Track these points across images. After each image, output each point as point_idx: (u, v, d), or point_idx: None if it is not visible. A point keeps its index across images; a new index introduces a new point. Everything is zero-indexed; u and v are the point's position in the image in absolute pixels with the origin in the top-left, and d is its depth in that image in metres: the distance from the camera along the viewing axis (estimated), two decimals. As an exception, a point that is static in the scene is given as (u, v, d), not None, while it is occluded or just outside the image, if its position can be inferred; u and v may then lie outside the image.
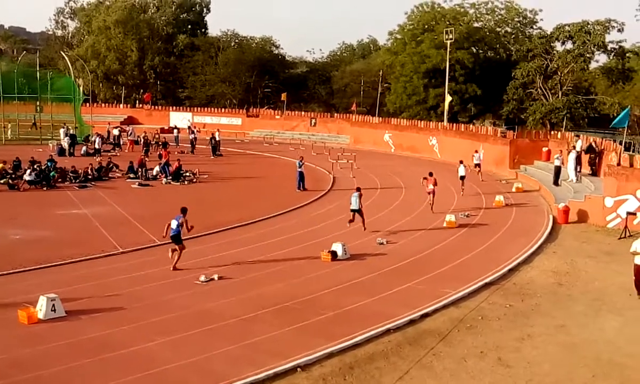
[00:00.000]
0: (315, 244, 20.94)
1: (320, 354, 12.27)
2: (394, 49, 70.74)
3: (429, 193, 27.35)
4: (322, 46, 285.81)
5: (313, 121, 68.53)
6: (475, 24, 67.78)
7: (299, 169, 32.95)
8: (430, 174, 27.94)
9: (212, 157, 47.13)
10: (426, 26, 66.92)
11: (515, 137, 44.29)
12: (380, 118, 65.50)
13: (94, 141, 47.51)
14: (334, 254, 19.30)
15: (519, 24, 68.76)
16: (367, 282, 17.22)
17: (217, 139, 50.58)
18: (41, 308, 13.61)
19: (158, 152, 41.28)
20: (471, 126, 57.62)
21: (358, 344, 12.92)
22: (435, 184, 27.32)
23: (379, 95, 77.08)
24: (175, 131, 55.42)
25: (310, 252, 19.93)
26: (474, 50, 66.33)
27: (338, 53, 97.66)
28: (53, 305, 13.68)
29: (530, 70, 57.53)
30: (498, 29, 69.36)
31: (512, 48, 67.45)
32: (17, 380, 10.77)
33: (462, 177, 32.56)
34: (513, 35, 69.17)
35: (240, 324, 13.78)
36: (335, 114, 72.68)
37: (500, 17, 68.62)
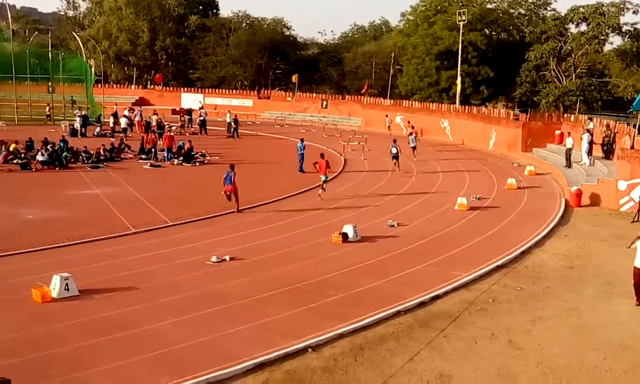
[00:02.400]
0: (326, 226, 20.96)
1: (331, 335, 12.31)
2: (406, 31, 70.30)
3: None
4: (333, 28, 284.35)
5: (324, 103, 68.34)
6: (489, 6, 67.18)
7: (301, 151, 32.83)
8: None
9: (235, 138, 47.79)
10: (439, 7, 66.41)
11: (528, 119, 44.03)
12: (392, 100, 65.24)
13: (109, 122, 47.67)
14: (344, 236, 19.30)
15: (532, 6, 68.05)
16: (378, 264, 17.22)
17: (229, 120, 50.61)
18: (54, 287, 13.72)
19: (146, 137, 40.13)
20: (483, 108, 57.34)
21: (369, 326, 12.94)
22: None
23: (390, 77, 76.69)
24: (187, 113, 55.13)
25: (321, 234, 19.94)
26: (487, 32, 65.80)
27: (350, 35, 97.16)
28: (66, 284, 13.78)
29: (544, 52, 57.01)
30: (511, 11, 68.72)
31: (525, 30, 66.88)
32: (31, 358, 10.87)
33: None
34: (526, 17, 68.51)
35: (252, 304, 13.84)
36: (347, 96, 72.45)
37: (513, -2, 68.01)
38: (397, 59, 75.15)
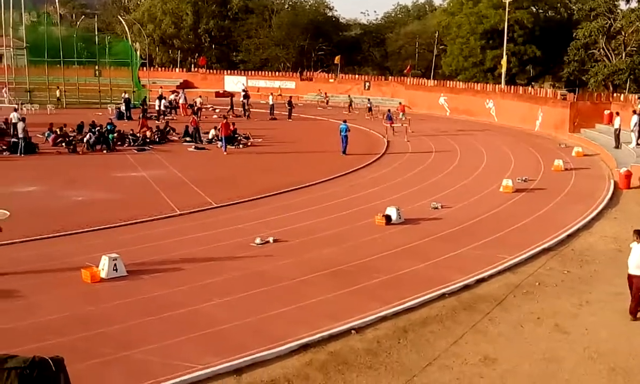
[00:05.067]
0: (370, 208, 20.90)
1: (374, 317, 12.33)
2: (451, 10, 69.25)
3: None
4: (376, 8, 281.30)
5: (367, 84, 67.95)
6: (536, -17, 65.71)
7: (344, 133, 32.73)
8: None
9: (289, 120, 48.36)
10: (485, -15, 65.20)
11: (575, 99, 43.06)
12: (436, 81, 64.50)
13: (155, 105, 48.27)
14: (388, 218, 19.24)
15: (581, -18, 66.32)
16: (421, 246, 17.14)
17: (271, 103, 50.78)
18: (103, 267, 14.04)
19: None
20: (530, 88, 56.22)
21: (412, 308, 12.91)
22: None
23: (434, 57, 75.80)
24: (232, 96, 55.27)
25: (364, 216, 19.91)
26: (534, 9, 64.43)
27: (392, 15, 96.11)
28: (115, 265, 14.08)
29: (593, 30, 55.42)
30: (559, -13, 67.10)
31: (573, 7, 65.16)
32: (81, 337, 11.16)
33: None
34: (575, -6, 66.81)
35: (296, 286, 13.93)
36: (390, 77, 71.87)
37: (561, -26, 66.36)
38: (441, 39, 74.18)
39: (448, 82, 61.33)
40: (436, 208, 21.29)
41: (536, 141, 38.67)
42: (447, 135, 40.84)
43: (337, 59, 71.41)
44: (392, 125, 40.08)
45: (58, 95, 54.59)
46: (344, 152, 32.31)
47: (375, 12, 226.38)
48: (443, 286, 13.97)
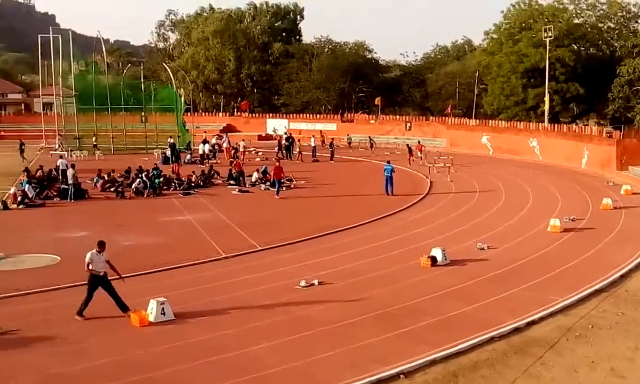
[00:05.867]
0: (414, 249, 20.76)
1: (423, 361, 12.12)
2: (490, 49, 69.24)
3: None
4: (415, 49, 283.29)
5: (408, 124, 68.06)
6: (576, 21, 65.38)
7: (389, 174, 32.72)
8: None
9: (330, 162, 48.97)
10: (524, 24, 65.20)
11: (622, 137, 42.32)
12: (477, 120, 64.28)
13: (199, 149, 49.10)
14: (433, 259, 19.06)
15: (622, 19, 65.77)
16: (469, 288, 16.88)
17: (313, 144, 51.21)
18: (152, 311, 14.18)
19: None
20: (574, 126, 55.57)
21: (461, 352, 12.67)
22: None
23: (475, 97, 75.65)
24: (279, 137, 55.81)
25: (409, 258, 19.76)
26: (575, 47, 63.95)
27: (432, 55, 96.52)
28: (162, 308, 14.21)
29: (637, 66, 54.75)
30: (600, 25, 66.58)
31: (615, 44, 64.63)
32: (131, 381, 11.24)
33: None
34: (616, 31, 66.22)
35: (342, 329, 13.83)
36: (431, 117, 71.92)
37: (602, 12, 65.90)
38: (482, 78, 74.09)
39: (490, 121, 61.07)
40: (482, 249, 21.00)
41: (582, 180, 38.06)
42: (491, 174, 40.49)
43: (377, 101, 71.83)
44: (411, 158, 46.14)
45: (94, 141, 55.96)
46: (391, 193, 32.27)
47: (414, 53, 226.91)
48: (493, 329, 13.70)
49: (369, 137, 59.78)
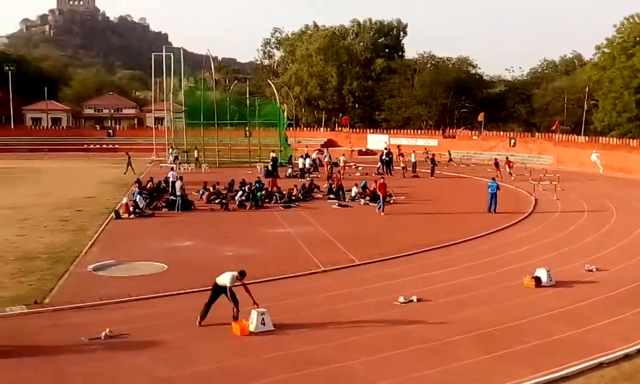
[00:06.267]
0: (517, 268, 20.15)
1: (526, 385, 11.74)
2: (602, 64, 66.48)
3: None
4: (521, 64, 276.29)
5: (512, 140, 66.38)
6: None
7: (494, 191, 31.97)
8: None
9: (430, 177, 48.84)
10: (638, 38, 62.16)
11: None
12: (587, 137, 61.78)
13: (299, 162, 49.89)
14: (537, 280, 18.42)
15: None
16: (575, 311, 16.19)
17: (413, 160, 50.89)
18: (252, 321, 14.48)
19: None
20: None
21: (567, 377, 12.15)
22: None
23: (584, 113, 72.76)
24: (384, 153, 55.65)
25: (512, 278, 19.21)
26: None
27: (539, 70, 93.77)
28: (263, 319, 14.48)
29: None
30: None
31: None
32: (231, 388, 11.51)
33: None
34: None
35: (441, 347, 13.60)
36: (537, 134, 69.84)
37: None
38: (592, 94, 71.21)
39: (600, 138, 58.56)
40: (590, 271, 20.10)
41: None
42: (601, 193, 38.76)
43: (480, 116, 70.54)
44: (499, 171, 46.31)
45: (196, 155, 57.89)
46: (494, 210, 31.53)
47: (520, 68, 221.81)
48: (601, 355, 13.06)
49: (448, 151, 61.40)
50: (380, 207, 32.24)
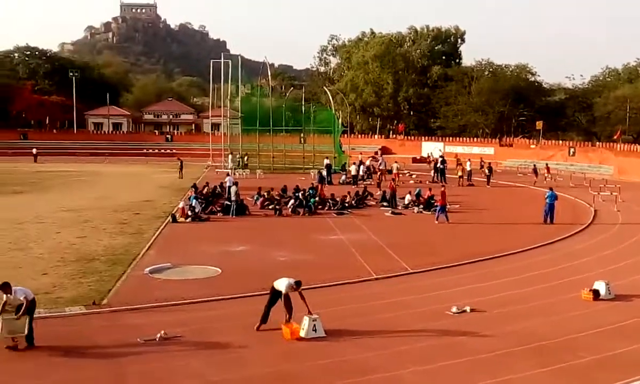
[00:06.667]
0: (575, 281, 19.67)
1: (582, 401, 11.45)
2: (667, 71, 64.42)
3: None
4: (582, 72, 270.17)
5: (571, 150, 64.92)
6: None
7: (551, 201, 31.30)
8: None
9: (488, 186, 48.70)
10: None
11: None
12: (651, 146, 59.94)
13: (353, 169, 49.94)
14: (596, 293, 17.94)
15: None
16: (635, 325, 15.68)
17: (469, 168, 50.30)
18: (304, 327, 14.55)
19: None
20: None
21: (625, 394, 11.83)
22: None
23: (648, 122, 70.62)
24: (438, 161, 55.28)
25: (568, 290, 18.76)
26: None
27: (601, 78, 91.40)
28: (314, 325, 14.52)
29: None
30: None
31: None
32: (282, 393, 11.59)
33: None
34: None
35: (495, 359, 13.39)
36: (597, 143, 68.12)
37: None
38: (656, 103, 69.07)
39: (665, 147, 56.70)
40: (652, 285, 19.47)
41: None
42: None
43: (538, 125, 69.28)
44: (536, 179, 50.36)
45: (245, 160, 58.54)
46: (551, 221, 30.87)
47: (581, 76, 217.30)
48: (662, 373, 12.64)
49: (534, 163, 59.78)
50: (439, 216, 31.74)
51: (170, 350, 13.69)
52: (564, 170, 58.73)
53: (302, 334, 14.51)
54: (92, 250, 23.63)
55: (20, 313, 13.38)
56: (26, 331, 13.49)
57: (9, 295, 13.42)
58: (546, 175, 53.02)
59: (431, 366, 12.97)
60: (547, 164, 56.34)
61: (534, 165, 55.19)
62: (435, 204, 33.24)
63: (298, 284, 15.01)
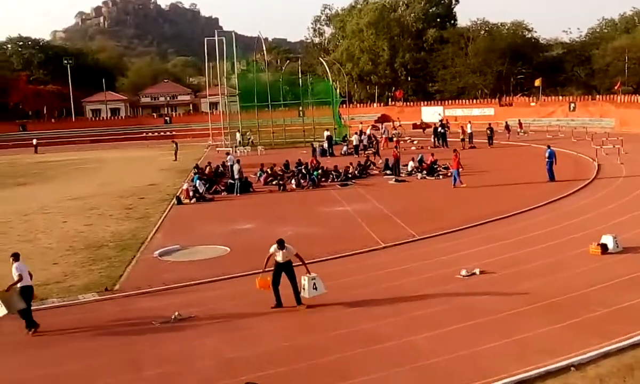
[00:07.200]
0: (582, 236, 19.73)
1: (595, 354, 11.53)
2: (665, 19, 63.88)
3: None
4: (579, 24, 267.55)
5: (572, 105, 64.66)
6: None
7: (551, 158, 31.27)
8: None
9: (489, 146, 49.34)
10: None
11: None
12: (650, 96, 59.64)
13: (355, 139, 49.86)
14: (604, 247, 17.99)
15: None
16: (645, 277, 15.77)
17: (469, 131, 50.14)
18: (304, 287, 14.82)
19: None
20: None
21: (637, 344, 11.91)
22: None
23: (647, 71, 70.21)
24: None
25: (576, 246, 18.82)
26: None
27: (598, 30, 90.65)
28: (314, 283, 14.77)
29: None
30: None
31: None
32: (298, 367, 11.69)
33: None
34: None
35: (506, 319, 13.48)
36: (597, 96, 67.77)
37: None
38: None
39: (665, 97, 56.43)
40: (659, 235, 19.53)
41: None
42: None
43: (537, 82, 68.92)
44: (509, 135, 54.43)
45: (249, 136, 58.61)
46: (552, 178, 30.88)
47: (578, 29, 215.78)
48: (673, 321, 12.73)
49: (517, 121, 62.09)
50: (456, 181, 31.69)
51: (184, 331, 13.82)
52: (565, 126, 58.49)
53: (305, 294, 14.69)
54: (100, 237, 23.73)
55: (7, 286, 13.82)
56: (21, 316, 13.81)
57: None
58: (519, 130, 58.49)
59: (444, 330, 13.07)
60: (519, 120, 61.13)
61: (506, 122, 59.42)
62: (451, 169, 33.03)
63: (279, 242, 14.87)
